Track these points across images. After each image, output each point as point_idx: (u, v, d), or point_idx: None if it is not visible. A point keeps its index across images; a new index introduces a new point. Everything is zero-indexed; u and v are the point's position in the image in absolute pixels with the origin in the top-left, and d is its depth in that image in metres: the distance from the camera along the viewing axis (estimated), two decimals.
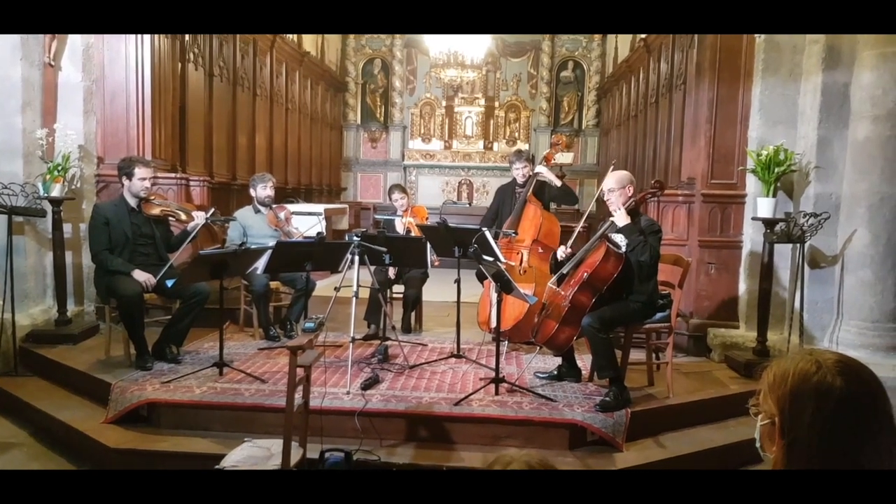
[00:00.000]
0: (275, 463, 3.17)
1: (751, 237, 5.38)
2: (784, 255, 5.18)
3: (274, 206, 5.68)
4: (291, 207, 6.29)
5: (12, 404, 4.54)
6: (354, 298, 4.37)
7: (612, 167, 4.41)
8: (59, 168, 5.23)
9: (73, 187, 5.51)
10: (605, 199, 4.25)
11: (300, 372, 3.20)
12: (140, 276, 4.53)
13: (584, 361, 4.56)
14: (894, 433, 1.17)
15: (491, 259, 4.30)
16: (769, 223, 4.95)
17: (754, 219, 5.18)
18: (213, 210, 4.98)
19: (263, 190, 5.59)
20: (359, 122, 13.84)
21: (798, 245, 4.87)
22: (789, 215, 4.98)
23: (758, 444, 1.31)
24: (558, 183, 5.51)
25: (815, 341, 4.90)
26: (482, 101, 13.69)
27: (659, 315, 4.34)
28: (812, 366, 1.19)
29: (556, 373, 4.51)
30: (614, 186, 4.16)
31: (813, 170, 4.95)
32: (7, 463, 3.86)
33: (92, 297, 5.70)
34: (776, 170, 4.90)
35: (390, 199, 5.98)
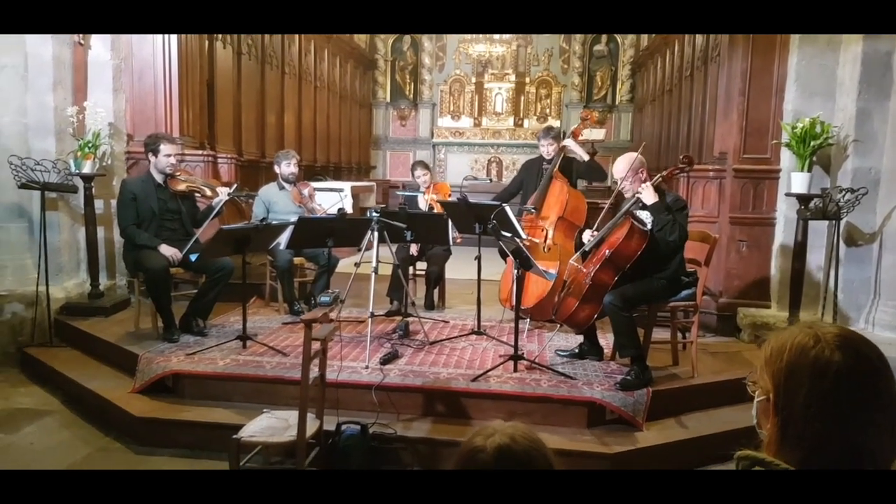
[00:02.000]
0: (291, 434, 3.21)
1: (784, 214, 5.21)
2: (819, 232, 5.01)
3: (297, 182, 5.69)
4: (315, 185, 6.29)
5: (46, 373, 4.69)
6: (373, 275, 4.37)
7: (642, 147, 4.27)
8: (90, 145, 5.32)
9: (104, 164, 5.60)
10: (619, 187, 4.14)
11: (315, 345, 3.22)
12: (166, 250, 4.60)
13: (606, 340, 4.50)
14: (895, 414, 1.10)
15: (509, 235, 4.24)
16: (803, 199, 4.79)
17: (788, 195, 5.02)
18: (235, 186, 5.01)
19: (287, 167, 5.61)
20: (388, 99, 13.80)
21: (834, 222, 4.71)
22: (825, 191, 4.81)
23: (754, 422, 1.26)
24: (586, 157, 5.41)
25: (849, 322, 4.75)
26: (512, 77, 13.52)
27: (684, 293, 4.24)
28: (810, 339, 1.13)
29: (577, 351, 4.46)
30: (627, 174, 4.04)
31: (851, 143, 4.77)
32: (39, 429, 3.98)
33: (123, 272, 5.81)
34: (812, 143, 4.73)
35: (413, 175, 5.96)
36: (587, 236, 4.26)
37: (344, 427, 3.48)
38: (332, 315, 3.59)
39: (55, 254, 5.36)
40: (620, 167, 4.06)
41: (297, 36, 9.66)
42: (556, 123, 12.88)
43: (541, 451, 1.22)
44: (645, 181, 3.99)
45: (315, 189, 5.77)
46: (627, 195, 4.05)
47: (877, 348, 1.15)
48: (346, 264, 5.77)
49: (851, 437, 1.09)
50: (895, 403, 1.10)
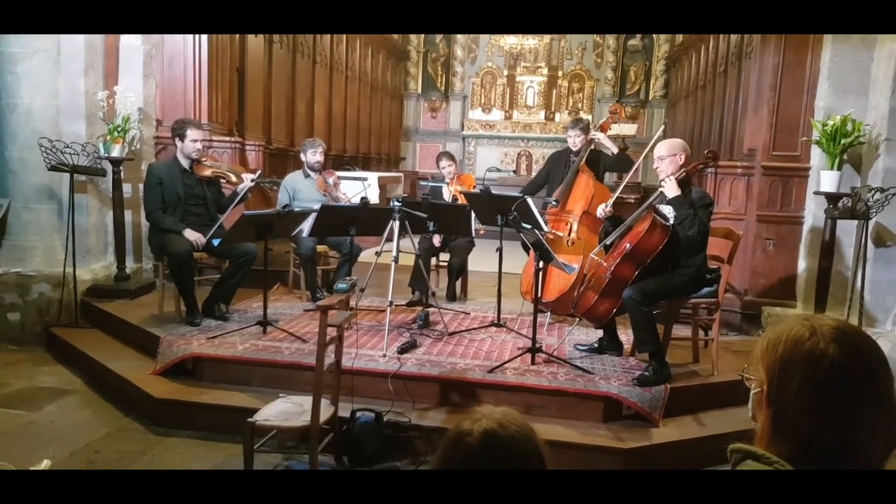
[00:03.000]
0: (306, 419, 3.24)
1: (813, 213, 5.10)
2: (848, 232, 4.91)
3: (322, 171, 5.72)
4: (340, 174, 6.31)
5: (71, 353, 4.79)
6: (393, 264, 4.38)
7: (661, 129, 4.21)
8: (119, 129, 5.41)
9: (133, 148, 5.70)
10: (654, 167, 4.09)
11: (331, 331, 3.24)
12: (190, 235, 4.67)
13: (626, 335, 4.46)
14: (890, 411, 1.07)
15: (530, 227, 4.22)
16: (832, 198, 4.68)
17: (817, 193, 4.91)
18: (260, 172, 5.06)
19: (313, 155, 5.64)
20: (419, 91, 13.79)
21: (862, 222, 4.60)
22: (854, 190, 4.69)
23: (750, 414, 1.23)
24: (615, 150, 5.35)
25: (876, 323, 4.64)
26: (545, 71, 13.39)
27: (706, 290, 4.19)
28: (806, 331, 1.10)
29: (596, 346, 4.42)
30: (664, 154, 4.00)
31: (883, 142, 4.65)
32: (61, 408, 4.08)
33: (150, 255, 5.91)
34: (842, 141, 4.61)
35: (438, 166, 5.95)
36: (601, 211, 4.22)
37: (358, 414, 3.50)
38: (351, 303, 3.61)
39: (83, 236, 5.47)
40: (662, 148, 4.01)
41: None
42: (587, 117, 12.74)
43: (528, 437, 1.21)
44: (682, 166, 3.93)
45: (340, 178, 5.80)
46: (661, 176, 3.99)
47: (874, 343, 1.12)
48: (368, 254, 5.79)
49: (844, 432, 1.06)
50: (889, 400, 1.07)
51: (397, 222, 4.43)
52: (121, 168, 5.50)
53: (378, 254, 4.49)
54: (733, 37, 8.54)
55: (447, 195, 5.80)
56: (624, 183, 4.55)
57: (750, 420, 3.89)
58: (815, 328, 1.10)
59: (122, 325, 4.89)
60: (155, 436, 3.73)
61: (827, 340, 1.08)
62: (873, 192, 4.40)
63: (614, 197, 4.39)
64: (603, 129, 5.40)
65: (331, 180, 5.67)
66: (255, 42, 7.57)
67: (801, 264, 5.21)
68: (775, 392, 1.11)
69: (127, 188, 5.69)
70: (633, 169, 5.63)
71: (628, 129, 11.82)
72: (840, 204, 4.62)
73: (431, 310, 4.99)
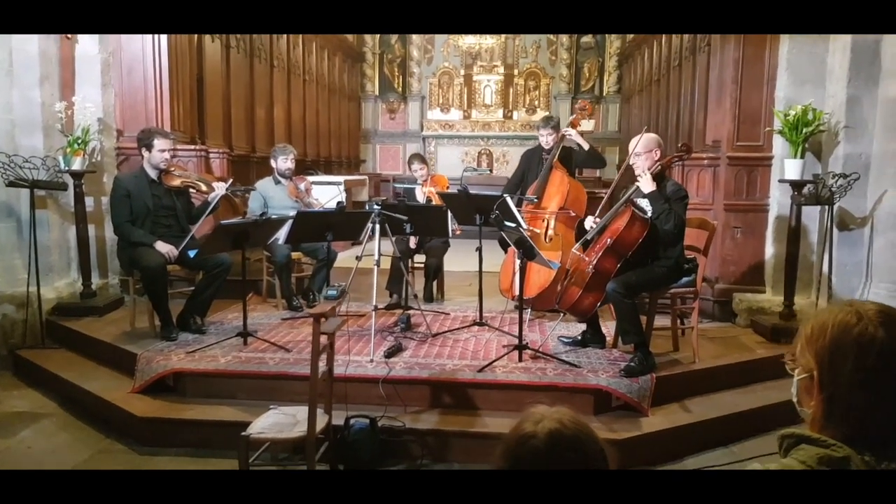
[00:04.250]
0: (301, 429, 3.19)
1: (778, 200, 5.26)
2: (812, 217, 5.07)
3: (294, 177, 5.65)
4: (312, 179, 6.25)
5: (40, 376, 4.61)
6: (376, 267, 4.35)
7: (644, 130, 4.29)
8: (79, 141, 5.24)
9: (94, 160, 5.53)
10: (630, 162, 4.16)
11: (324, 339, 3.20)
12: (162, 247, 4.55)
13: (608, 328, 4.52)
14: None
15: (513, 225, 4.24)
16: (797, 185, 4.83)
17: (781, 181, 5.06)
18: (231, 180, 4.97)
19: (284, 162, 5.57)
20: (377, 93, 13.74)
21: (826, 207, 4.76)
22: (817, 177, 4.86)
23: (794, 399, 1.27)
24: (586, 146, 5.42)
25: None
26: (501, 70, 13.51)
27: (684, 280, 4.28)
28: (852, 317, 1.14)
29: (579, 339, 4.47)
30: (640, 150, 4.07)
31: (842, 130, 4.82)
32: (38, 432, 3.92)
33: (116, 270, 5.75)
34: (804, 130, 4.77)
35: (410, 169, 5.94)
36: (589, 223, 4.28)
37: (353, 421, 3.47)
38: (338, 308, 3.58)
39: (45, 253, 5.27)
40: (639, 144, 4.07)
41: None
42: (552, 115, 12.87)
43: (591, 436, 1.22)
44: (658, 161, 4.01)
45: (312, 183, 5.73)
46: (637, 171, 4.06)
47: None
48: (343, 258, 5.75)
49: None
50: None
51: (378, 225, 4.40)
52: (82, 181, 5.32)
53: (359, 258, 4.45)
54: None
55: (420, 196, 5.79)
56: (611, 189, 4.58)
57: (733, 406, 3.95)
58: (861, 313, 1.14)
59: (94, 343, 4.73)
60: (140, 456, 3.62)
61: (875, 325, 1.12)
62: (837, 178, 4.56)
63: (601, 207, 4.42)
64: (573, 125, 5.47)
65: (302, 186, 5.61)
66: (212, 48, 7.43)
67: (769, 250, 5.36)
68: (827, 377, 1.15)
69: (89, 202, 5.51)
70: (605, 165, 5.75)
71: (587, 124, 12.00)
72: (805, 190, 4.78)
73: (412, 312, 4.98)
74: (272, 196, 5.51)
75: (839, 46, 4.91)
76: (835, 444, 1.11)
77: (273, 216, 4.76)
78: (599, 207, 4.40)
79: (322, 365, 3.29)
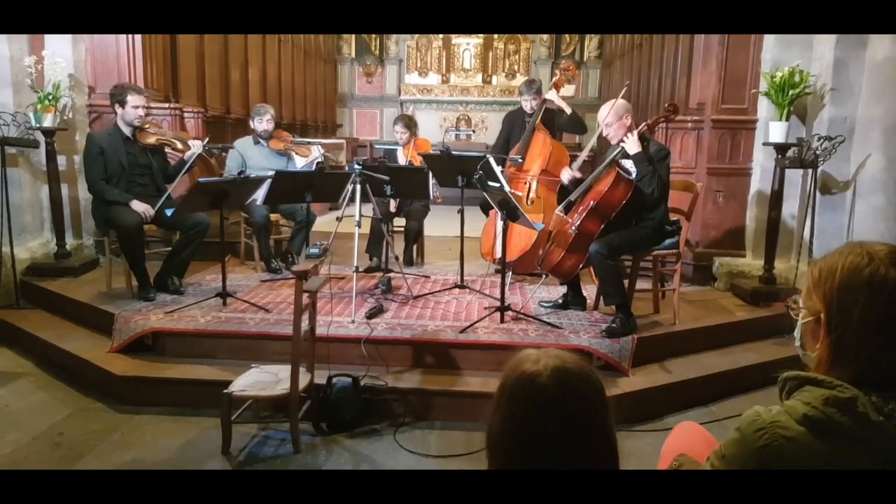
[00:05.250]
0: (283, 387, 3.16)
1: (761, 164, 5.27)
2: (794, 182, 5.09)
3: (276, 133, 5.53)
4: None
5: (16, 336, 4.52)
6: (357, 229, 4.29)
7: (625, 88, 4.25)
8: (50, 97, 5.07)
9: (65, 117, 5.35)
10: (603, 134, 4.11)
11: (306, 298, 3.16)
12: (138, 206, 4.44)
13: (588, 291, 4.53)
14: None
15: (497, 185, 4.20)
16: (781, 148, 4.83)
17: (766, 144, 5.06)
18: (207, 139, 4.86)
19: (260, 123, 5.44)
20: (353, 55, 13.48)
21: (810, 171, 4.77)
22: (802, 140, 4.86)
23: (797, 343, 1.25)
24: (568, 110, 5.37)
25: None
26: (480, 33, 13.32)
27: (667, 241, 4.28)
28: (863, 258, 1.12)
29: (560, 302, 4.48)
30: (612, 120, 4.02)
31: (828, 92, 4.81)
32: (15, 391, 3.85)
33: (90, 230, 5.62)
34: (791, 92, 4.74)
35: (393, 129, 5.83)
36: (566, 175, 4.24)
37: (335, 380, 3.44)
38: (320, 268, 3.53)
39: (18, 213, 5.14)
40: (605, 113, 4.03)
41: None
42: (525, 79, 12.75)
43: (587, 365, 1.20)
44: (630, 128, 3.98)
45: (292, 142, 5.60)
46: (613, 142, 4.03)
47: None
48: (322, 221, 5.68)
49: None
50: None
51: (359, 186, 4.32)
52: (54, 139, 5.16)
53: (339, 219, 4.38)
54: None
55: (402, 159, 5.71)
56: (588, 147, 4.55)
57: (712, 367, 4.00)
58: (872, 254, 1.12)
59: (70, 304, 4.63)
60: (120, 414, 3.56)
61: (887, 265, 1.10)
62: (822, 140, 4.57)
63: (580, 160, 4.39)
64: (556, 87, 5.40)
65: (286, 139, 5.52)
66: None
67: (750, 215, 5.39)
68: (835, 318, 1.13)
69: (62, 160, 5.36)
70: (587, 130, 5.70)
71: (567, 89, 11.89)
72: (789, 153, 4.78)
73: (392, 275, 4.94)
74: (251, 156, 5.39)
75: None
76: (841, 385, 1.10)
77: (252, 175, 4.66)
78: (578, 162, 4.35)
79: (304, 324, 3.25)
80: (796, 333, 1.24)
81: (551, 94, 5.28)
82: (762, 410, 1.13)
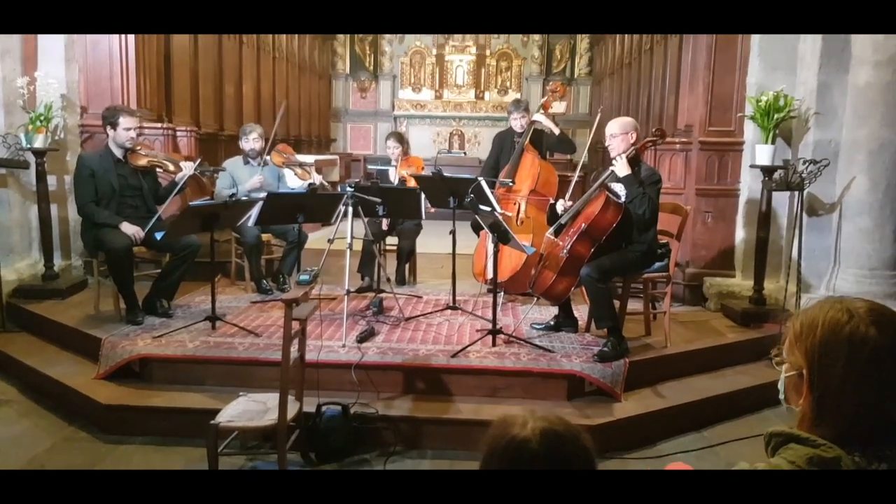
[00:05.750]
0: (271, 417, 3.14)
1: (748, 185, 5.31)
2: (781, 203, 5.12)
3: (279, 146, 5.54)
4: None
5: (0, 360, 4.46)
6: (348, 250, 4.29)
7: (599, 113, 4.30)
8: (42, 118, 5.06)
9: (57, 138, 5.34)
10: (606, 144, 4.15)
11: (296, 325, 3.14)
12: (128, 228, 4.42)
13: (580, 312, 4.53)
14: None
15: (488, 209, 4.21)
16: (768, 171, 4.87)
17: (752, 166, 5.10)
18: (199, 160, 4.85)
19: (246, 143, 5.44)
20: (347, 71, 13.53)
21: (797, 193, 4.81)
22: (788, 162, 4.90)
23: (781, 396, 1.25)
24: (557, 130, 5.40)
25: (812, 289, 4.88)
26: (473, 50, 13.40)
27: (657, 264, 4.30)
28: (843, 315, 1.12)
29: (552, 323, 4.48)
30: (617, 132, 4.06)
31: (812, 116, 4.85)
32: None
33: (79, 251, 5.59)
34: (776, 116, 4.79)
35: (386, 145, 5.86)
36: (561, 206, 4.26)
37: (325, 408, 3.42)
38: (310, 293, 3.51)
39: (5, 233, 5.11)
40: (615, 126, 4.07)
41: None
42: (518, 96, 12.82)
43: (574, 425, 1.20)
44: (633, 144, 4.01)
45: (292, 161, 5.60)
46: (612, 155, 4.05)
47: None
48: (314, 239, 5.67)
49: (889, 413, 1.09)
50: None
51: (350, 207, 4.32)
52: (44, 159, 5.14)
53: (331, 241, 4.38)
54: None
55: (393, 177, 5.72)
56: (578, 168, 4.58)
57: (704, 390, 3.98)
58: (852, 311, 1.12)
59: (57, 327, 4.58)
60: (105, 444, 3.51)
61: (866, 323, 1.10)
62: (807, 164, 4.60)
63: (571, 186, 4.42)
64: (545, 107, 5.44)
65: (289, 154, 5.54)
66: None
67: (739, 235, 5.42)
68: (817, 376, 1.13)
69: (52, 180, 5.33)
70: (576, 150, 5.74)
71: (558, 106, 11.96)
72: (776, 176, 4.82)
73: (384, 295, 4.93)
74: (241, 176, 5.39)
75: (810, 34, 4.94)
76: (825, 444, 1.10)
77: (243, 198, 4.65)
78: (570, 190, 4.38)
79: (293, 351, 3.24)
80: (780, 387, 1.24)
81: (539, 116, 5.31)
82: (747, 468, 1.13)
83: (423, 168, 5.78)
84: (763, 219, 5.00)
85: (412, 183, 5.35)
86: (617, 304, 4.17)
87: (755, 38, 5.22)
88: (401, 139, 5.79)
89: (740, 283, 5.31)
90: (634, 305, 4.55)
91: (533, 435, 1.14)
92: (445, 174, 4.79)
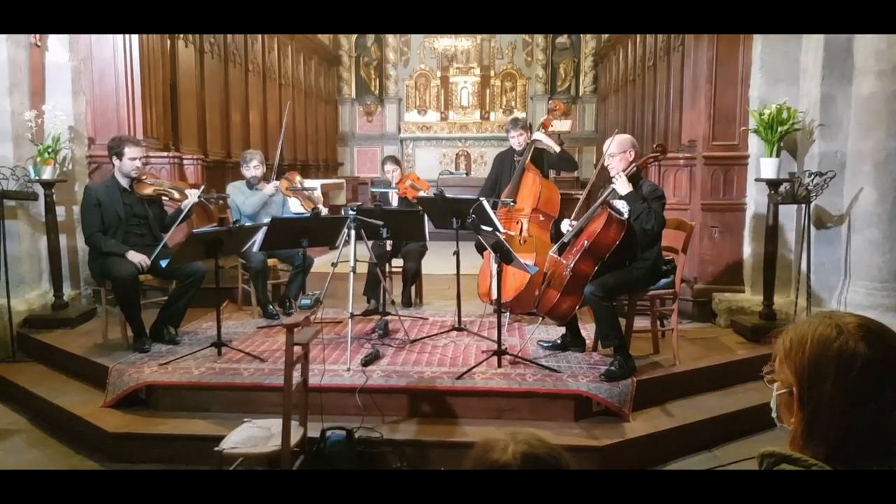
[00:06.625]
0: (275, 443, 3.12)
1: (755, 199, 5.27)
2: (789, 216, 5.09)
3: (282, 176, 5.57)
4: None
5: (10, 390, 4.49)
6: (352, 274, 4.29)
7: (615, 132, 4.28)
8: (50, 150, 5.13)
9: (65, 169, 5.41)
10: (605, 163, 4.14)
11: (298, 350, 3.14)
12: (134, 256, 4.46)
13: (587, 331, 4.49)
14: None
15: (489, 229, 4.21)
16: (773, 184, 4.84)
17: (758, 180, 5.07)
18: (203, 187, 4.90)
19: (247, 170, 5.48)
20: (353, 95, 13.65)
21: (803, 206, 4.77)
22: (794, 175, 4.87)
23: (774, 415, 1.23)
24: (557, 149, 5.41)
25: (822, 303, 4.82)
26: (477, 71, 13.49)
27: (663, 281, 4.27)
28: (832, 330, 1.10)
29: (559, 342, 4.45)
30: (615, 151, 4.05)
31: (817, 128, 4.83)
32: (7, 449, 3.82)
33: (88, 280, 5.63)
34: (779, 129, 4.77)
35: (383, 170, 5.91)
36: (565, 226, 4.24)
37: (329, 433, 3.40)
38: (312, 318, 3.51)
39: (15, 264, 5.15)
40: (613, 145, 4.05)
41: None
42: (522, 115, 12.86)
43: (554, 445, 1.18)
44: (632, 162, 3.99)
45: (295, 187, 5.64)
46: (612, 174, 4.04)
47: None
48: (320, 263, 5.68)
49: (879, 429, 1.07)
50: None
51: (353, 231, 4.34)
52: (53, 190, 5.20)
53: (334, 264, 4.39)
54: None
55: (394, 200, 5.75)
56: (587, 189, 4.57)
57: (715, 409, 3.93)
58: (841, 327, 1.10)
59: (65, 356, 4.61)
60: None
61: (856, 339, 1.08)
62: (812, 176, 4.57)
63: (578, 206, 4.41)
64: (545, 126, 5.46)
65: (297, 182, 5.58)
66: (185, 53, 7.31)
67: (747, 250, 5.38)
68: (807, 394, 1.11)
69: (60, 211, 5.39)
70: (577, 168, 5.74)
71: (562, 124, 11.98)
72: (781, 189, 4.79)
73: (390, 318, 4.92)
74: (244, 201, 5.42)
75: (812, 45, 4.93)
76: (816, 464, 1.07)
77: (246, 224, 4.68)
78: (576, 209, 4.37)
79: (296, 376, 3.23)
80: (772, 405, 1.22)
81: (539, 135, 5.33)
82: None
83: (418, 179, 5.85)
84: (770, 233, 4.96)
85: (413, 193, 5.42)
86: (623, 321, 4.14)
87: (756, 51, 5.22)
88: (397, 161, 5.87)
89: (750, 298, 5.26)
90: (642, 323, 4.51)
91: (514, 459, 1.12)
92: (447, 195, 4.79)
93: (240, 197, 5.41)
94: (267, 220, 4.62)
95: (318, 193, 5.77)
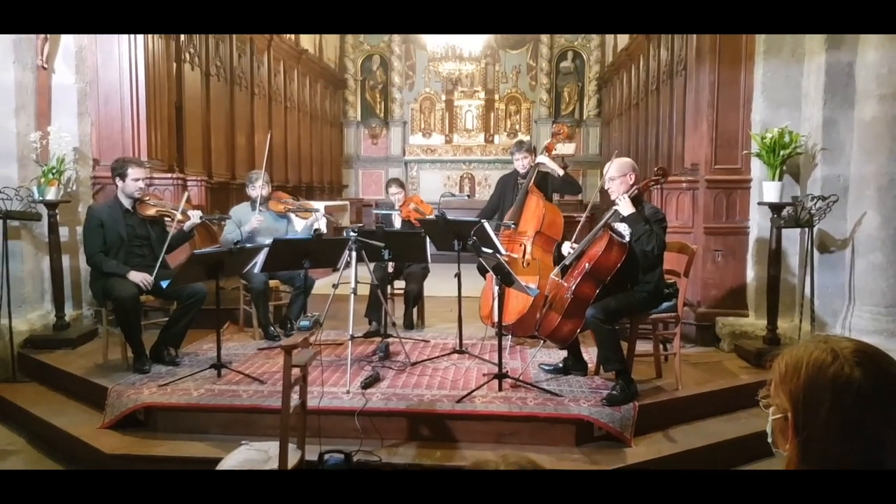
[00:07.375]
0: (272, 466, 3.09)
1: (758, 223, 5.25)
2: (792, 240, 5.06)
3: (271, 197, 5.58)
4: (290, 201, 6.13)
5: (10, 411, 4.47)
6: (352, 296, 4.28)
7: (614, 154, 4.29)
8: (54, 171, 5.16)
9: (69, 190, 5.44)
10: (605, 187, 4.14)
11: (296, 372, 3.12)
12: (135, 276, 4.46)
13: (590, 354, 4.46)
14: None
15: (490, 251, 4.20)
16: (776, 208, 4.82)
17: (760, 204, 5.05)
18: (200, 211, 4.92)
19: (253, 190, 5.49)
20: (359, 118, 13.75)
21: (806, 230, 4.75)
22: (796, 199, 4.86)
23: (770, 440, 1.21)
24: (560, 172, 5.42)
25: (826, 328, 4.78)
26: (482, 95, 13.59)
27: (665, 305, 4.24)
28: (827, 355, 1.09)
29: (561, 366, 4.41)
30: (615, 175, 4.06)
31: (819, 152, 4.83)
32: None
33: (90, 301, 5.63)
34: (782, 153, 4.77)
35: (387, 193, 5.93)
36: (567, 248, 4.23)
37: (327, 456, 3.37)
38: (312, 339, 3.50)
39: (18, 284, 5.16)
40: (613, 168, 4.06)
41: (265, 56, 9.58)
42: (526, 138, 12.91)
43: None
44: (633, 185, 3.99)
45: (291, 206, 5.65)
46: (613, 197, 4.04)
47: (895, 362, 1.12)
48: (321, 285, 5.67)
49: (875, 454, 1.05)
50: None
51: (354, 252, 4.34)
52: (56, 211, 5.23)
53: (335, 286, 4.38)
54: (663, 56, 8.83)
55: (397, 223, 5.76)
56: (587, 211, 4.59)
57: (718, 434, 3.88)
58: (837, 352, 1.09)
59: (65, 377, 4.60)
60: None
61: (851, 364, 1.07)
62: (815, 200, 4.56)
63: (579, 227, 4.42)
64: (548, 150, 5.48)
65: (284, 200, 5.58)
66: (191, 76, 7.39)
67: (750, 273, 5.35)
68: (802, 419, 1.09)
69: (64, 231, 5.42)
70: (581, 191, 5.74)
71: (566, 148, 11.99)
72: (784, 213, 4.77)
73: (391, 340, 4.90)
74: (247, 222, 5.42)
75: (813, 69, 4.95)
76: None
77: (248, 245, 4.68)
78: (577, 231, 4.37)
79: (295, 398, 3.21)
80: (768, 429, 1.20)
81: (542, 158, 5.34)
82: None
83: (421, 202, 5.86)
84: (773, 256, 4.94)
85: (416, 216, 5.43)
86: (625, 345, 4.11)
87: (758, 75, 5.24)
88: (401, 184, 5.90)
89: (753, 322, 5.22)
90: (645, 347, 4.48)
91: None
92: (449, 217, 4.79)
93: (245, 218, 5.42)
94: (268, 241, 4.62)
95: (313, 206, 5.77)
